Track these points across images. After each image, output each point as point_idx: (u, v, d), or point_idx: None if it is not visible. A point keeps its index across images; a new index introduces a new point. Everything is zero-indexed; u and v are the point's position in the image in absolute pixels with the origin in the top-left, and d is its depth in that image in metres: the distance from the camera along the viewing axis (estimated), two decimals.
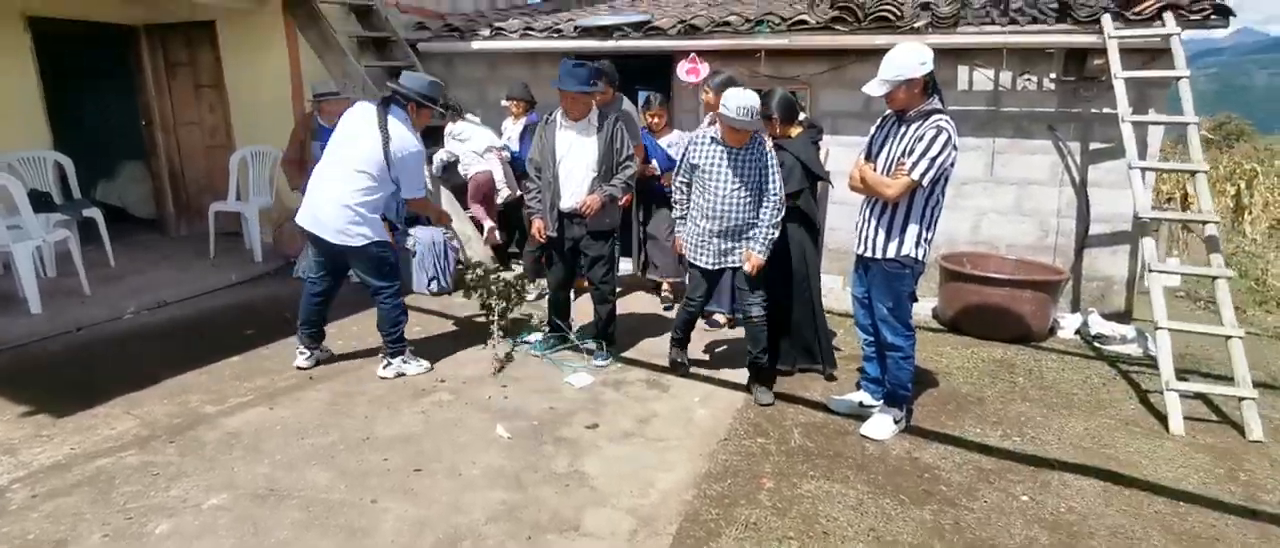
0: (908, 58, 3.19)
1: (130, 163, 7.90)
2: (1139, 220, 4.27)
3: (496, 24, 6.78)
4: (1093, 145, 5.37)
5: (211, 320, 5.16)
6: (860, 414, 3.73)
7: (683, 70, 5.99)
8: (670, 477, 3.13)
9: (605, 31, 6.16)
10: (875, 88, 3.28)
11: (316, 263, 4.10)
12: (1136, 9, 4.91)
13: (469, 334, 4.88)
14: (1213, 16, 4.73)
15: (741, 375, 4.16)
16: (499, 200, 6.37)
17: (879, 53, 5.65)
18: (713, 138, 3.80)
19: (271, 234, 6.70)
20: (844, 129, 5.96)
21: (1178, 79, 4.61)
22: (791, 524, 2.81)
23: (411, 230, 5.89)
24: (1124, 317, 5.48)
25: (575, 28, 6.35)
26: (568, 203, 4.20)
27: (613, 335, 4.51)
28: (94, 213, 6.00)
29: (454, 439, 3.43)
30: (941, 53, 5.53)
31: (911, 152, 3.21)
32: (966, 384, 4.26)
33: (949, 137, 3.17)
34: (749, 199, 3.75)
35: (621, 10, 7.19)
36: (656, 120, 5.38)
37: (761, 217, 3.79)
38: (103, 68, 7.81)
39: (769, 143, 3.79)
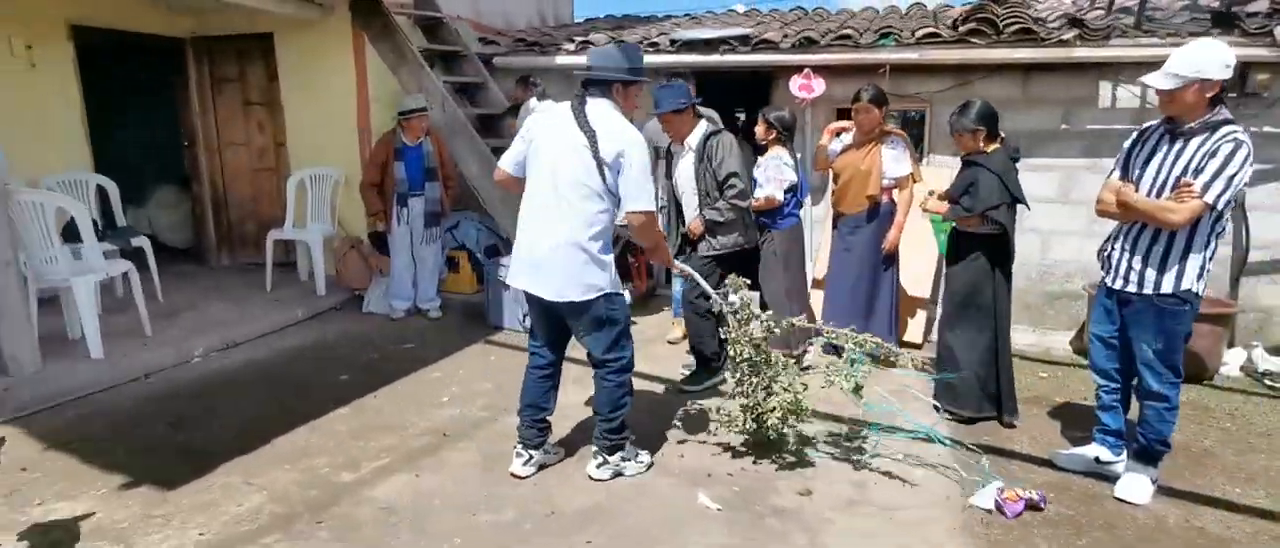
0: (1209, 55, 2.71)
1: (163, 186, 7.27)
2: None
3: (580, 37, 6.30)
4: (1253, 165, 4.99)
5: (293, 364, 4.55)
6: (1098, 472, 3.23)
7: (795, 86, 5.54)
8: None
9: (709, 46, 5.71)
10: (1161, 79, 2.76)
11: (539, 327, 3.09)
12: None
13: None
14: None
15: (923, 421, 3.67)
16: None
17: (1014, 68, 5.38)
18: None
19: (333, 265, 6.08)
20: None
21: None
22: None
23: (503, 259, 5.33)
24: None
25: (672, 42, 5.90)
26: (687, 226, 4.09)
27: (709, 358, 4.10)
28: (142, 242, 5.37)
29: (654, 511, 2.87)
30: (1083, 67, 5.21)
31: (1201, 169, 2.73)
32: (1178, 433, 3.78)
33: (1249, 151, 2.72)
34: None
35: (672, 29, 6.75)
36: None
37: None
38: (136, 83, 7.21)
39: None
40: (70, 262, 4.20)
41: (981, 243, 3.74)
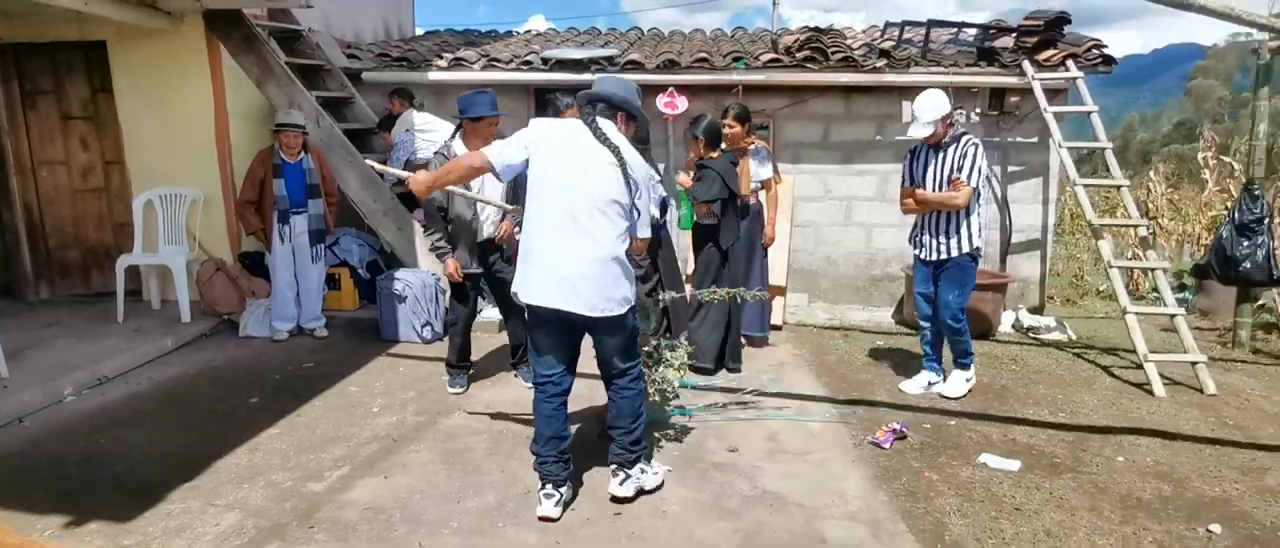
0: (941, 100, 3.96)
1: None
2: (1093, 226, 5.23)
3: (452, 54, 6.46)
4: (1010, 168, 6.41)
5: (187, 393, 4.34)
6: (938, 406, 4.17)
7: (661, 103, 6.17)
8: (852, 485, 3.28)
9: (580, 65, 6.16)
10: (925, 129, 3.97)
11: (555, 350, 2.95)
12: (1044, 56, 6.01)
13: (498, 373, 4.60)
14: (1100, 65, 5.95)
15: (801, 386, 4.44)
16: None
17: (839, 89, 6.42)
18: None
19: (198, 290, 5.71)
20: (805, 158, 6.51)
21: (1089, 113, 5.73)
22: (989, 507, 3.10)
23: (397, 274, 5.40)
24: (1039, 310, 6.55)
25: (544, 60, 6.27)
26: (487, 232, 4.11)
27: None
28: None
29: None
30: (889, 90, 6.35)
31: (960, 167, 3.96)
32: (982, 376, 4.87)
33: (981, 147, 3.99)
34: None
35: (537, 48, 7.18)
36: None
37: None
38: None
39: None
40: None
41: (709, 232, 4.67)
